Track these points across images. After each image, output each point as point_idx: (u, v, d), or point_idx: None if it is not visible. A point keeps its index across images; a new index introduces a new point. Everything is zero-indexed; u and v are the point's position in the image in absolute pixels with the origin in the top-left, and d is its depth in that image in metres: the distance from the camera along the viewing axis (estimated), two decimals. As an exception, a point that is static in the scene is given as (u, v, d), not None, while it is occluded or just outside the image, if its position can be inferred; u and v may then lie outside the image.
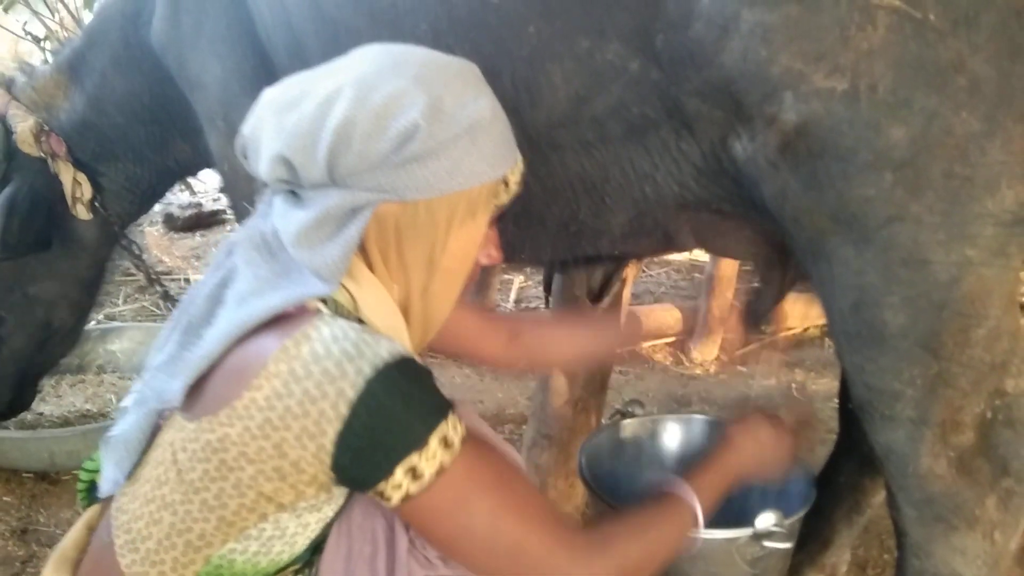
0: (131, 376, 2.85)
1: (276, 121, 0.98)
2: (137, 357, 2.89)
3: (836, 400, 2.58)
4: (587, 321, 1.90)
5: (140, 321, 3.46)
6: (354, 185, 0.97)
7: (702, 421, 1.77)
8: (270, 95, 1.03)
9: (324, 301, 1.00)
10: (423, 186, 0.97)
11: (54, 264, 2.22)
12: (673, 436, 1.75)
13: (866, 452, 1.63)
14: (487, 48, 1.27)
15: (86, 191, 2.14)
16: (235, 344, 0.96)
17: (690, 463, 1.36)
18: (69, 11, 4.08)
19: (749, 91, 1.12)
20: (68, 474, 2.34)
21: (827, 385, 2.90)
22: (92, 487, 1.17)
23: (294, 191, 1.02)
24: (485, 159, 1.00)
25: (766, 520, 1.33)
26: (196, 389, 0.98)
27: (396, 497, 0.95)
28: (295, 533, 1.02)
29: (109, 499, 1.10)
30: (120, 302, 3.69)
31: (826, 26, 1.05)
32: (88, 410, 2.64)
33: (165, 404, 1.00)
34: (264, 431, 0.92)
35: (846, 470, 1.73)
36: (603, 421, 2.21)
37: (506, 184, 1.06)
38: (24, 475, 2.35)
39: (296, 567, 1.07)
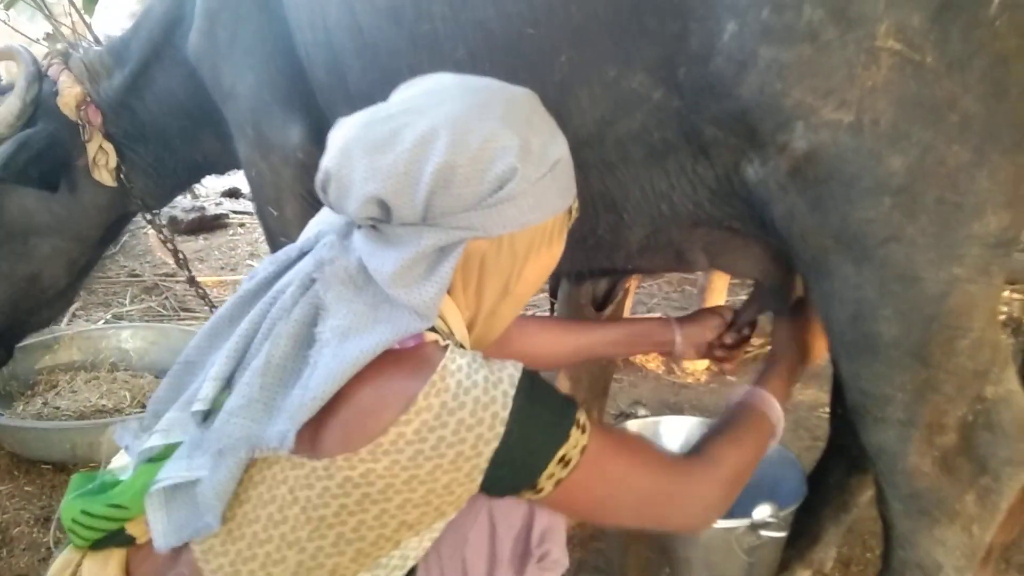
0: (143, 374, 2.94)
1: (369, 162, 1.01)
2: (149, 356, 3.00)
3: (821, 410, 2.72)
4: (583, 323, 1.98)
5: (148, 321, 3.54)
6: (446, 224, 1.01)
7: (700, 422, 1.89)
8: (354, 132, 1.05)
9: (433, 329, 1.03)
10: (511, 222, 1.03)
11: (59, 221, 2.36)
12: (674, 435, 1.87)
13: (854, 455, 1.76)
14: (521, 73, 1.34)
15: (111, 159, 2.30)
16: (351, 382, 0.97)
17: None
18: (80, 14, 4.17)
19: (763, 120, 1.23)
20: (86, 466, 2.40)
21: (812, 396, 3.03)
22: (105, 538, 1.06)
23: (375, 226, 1.06)
24: (560, 192, 1.08)
25: (763, 512, 1.47)
26: (307, 428, 0.96)
27: (549, 486, 1.03)
28: (412, 558, 1.06)
29: (135, 547, 1.05)
30: (127, 302, 3.78)
31: (835, 65, 1.16)
32: (103, 405, 2.70)
33: (266, 450, 0.97)
34: (416, 461, 0.95)
35: (835, 472, 1.85)
36: (606, 423, 2.32)
37: (570, 212, 1.14)
38: (43, 467, 2.43)
39: None
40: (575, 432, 1.02)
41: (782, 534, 1.50)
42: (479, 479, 0.99)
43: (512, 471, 1.00)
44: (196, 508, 0.98)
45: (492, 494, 1.03)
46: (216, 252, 4.58)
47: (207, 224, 4.85)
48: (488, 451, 0.97)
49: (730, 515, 1.47)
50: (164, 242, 2.60)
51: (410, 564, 1.06)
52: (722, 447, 1.23)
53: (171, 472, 1.01)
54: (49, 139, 2.20)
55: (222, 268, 4.30)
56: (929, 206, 1.19)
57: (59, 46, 2.40)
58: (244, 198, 5.68)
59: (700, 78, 1.28)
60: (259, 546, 0.98)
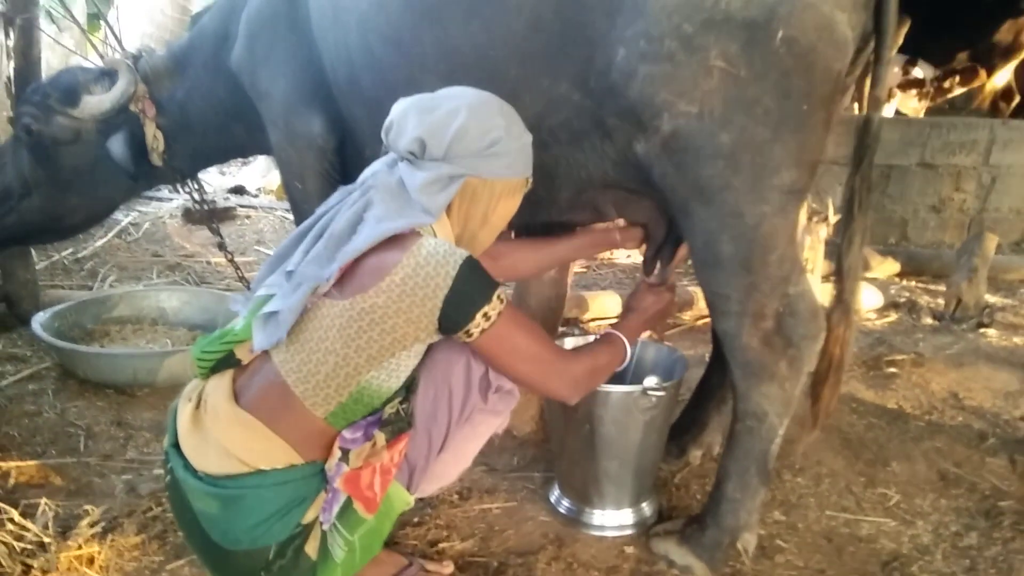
0: (178, 328, 3.49)
1: (419, 117, 1.65)
2: (183, 313, 3.55)
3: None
4: (550, 238, 2.45)
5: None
6: (457, 163, 1.64)
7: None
8: (411, 102, 1.69)
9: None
10: (494, 172, 1.68)
11: (98, 184, 3.01)
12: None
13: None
14: (484, 82, 1.87)
15: (160, 144, 2.95)
16: (373, 248, 1.52)
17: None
18: (112, 31, 4.75)
19: (643, 112, 1.82)
20: (141, 391, 2.95)
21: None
22: (215, 365, 1.67)
23: (411, 161, 1.66)
24: (524, 163, 1.74)
25: (651, 380, 2.09)
26: (342, 280, 1.53)
27: (477, 332, 1.58)
28: (405, 367, 1.60)
29: (239, 367, 1.64)
30: (154, 277, 4.36)
31: (685, 76, 1.75)
32: (150, 348, 3.26)
33: (321, 283, 1.53)
34: (401, 298, 1.52)
35: (717, 373, 2.49)
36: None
37: (528, 181, 1.79)
38: (107, 390, 2.96)
39: (400, 399, 1.66)
40: (496, 300, 1.59)
41: (663, 393, 2.11)
42: (437, 314, 1.54)
43: (455, 312, 1.55)
44: (278, 326, 1.55)
45: (444, 330, 1.58)
46: (226, 239, 5.13)
47: (218, 215, 5.40)
48: (441, 294, 1.53)
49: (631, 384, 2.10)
50: (194, 201, 3.27)
51: (403, 373, 1.60)
52: (588, 353, 1.83)
53: (270, 307, 1.58)
54: (135, 137, 2.82)
55: (231, 252, 4.87)
56: (746, 166, 1.79)
57: (132, 51, 3.01)
58: (248, 194, 6.27)
59: (604, 85, 1.86)
60: (311, 354, 1.56)
